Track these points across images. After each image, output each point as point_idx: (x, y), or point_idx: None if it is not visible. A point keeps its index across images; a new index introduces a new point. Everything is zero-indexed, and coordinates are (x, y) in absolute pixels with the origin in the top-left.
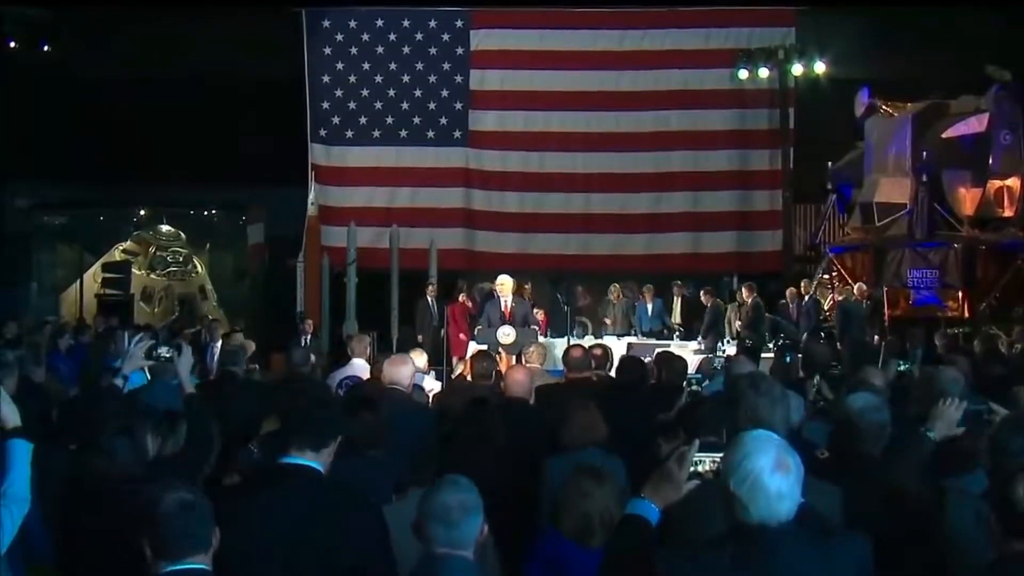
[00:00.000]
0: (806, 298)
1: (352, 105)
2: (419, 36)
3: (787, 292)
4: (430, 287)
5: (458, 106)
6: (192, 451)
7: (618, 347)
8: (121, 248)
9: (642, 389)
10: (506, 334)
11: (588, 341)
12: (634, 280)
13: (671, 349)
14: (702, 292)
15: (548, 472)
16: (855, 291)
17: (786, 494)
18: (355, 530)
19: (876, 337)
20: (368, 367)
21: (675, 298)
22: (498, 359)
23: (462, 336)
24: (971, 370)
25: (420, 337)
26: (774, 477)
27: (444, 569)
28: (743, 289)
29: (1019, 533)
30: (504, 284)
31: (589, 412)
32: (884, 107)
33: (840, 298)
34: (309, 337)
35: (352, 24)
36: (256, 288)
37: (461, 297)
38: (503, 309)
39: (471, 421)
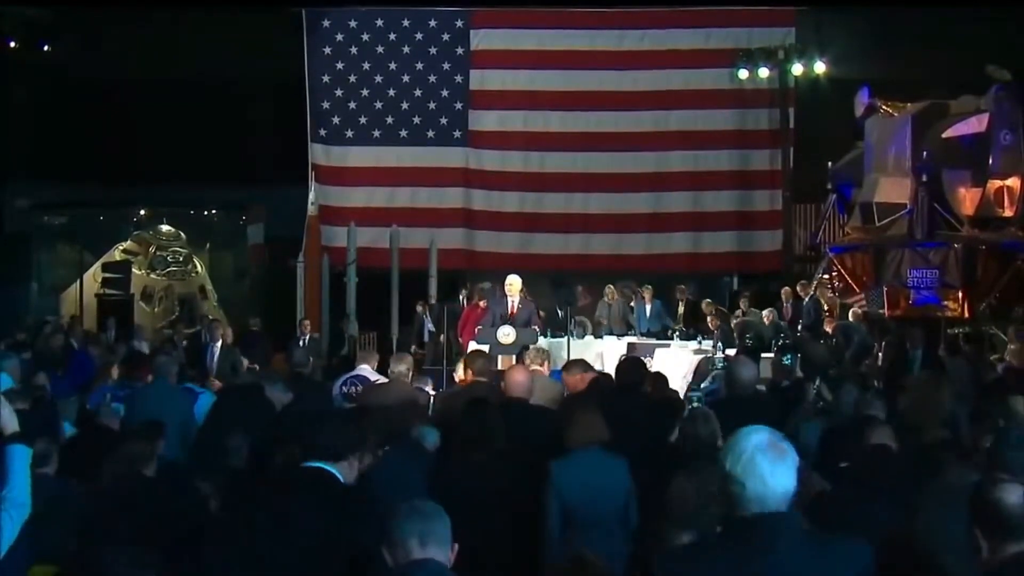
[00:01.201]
0: (805, 299)
1: (352, 105)
2: (419, 36)
3: (782, 292)
4: (420, 304)
5: (458, 106)
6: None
7: (618, 347)
8: (121, 248)
9: (643, 391)
10: (506, 334)
11: (587, 341)
12: (633, 280)
13: (671, 350)
14: (704, 307)
15: (551, 475)
16: (850, 316)
17: (780, 473)
18: (362, 527)
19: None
20: (373, 371)
21: (679, 302)
22: (498, 360)
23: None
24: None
25: (413, 348)
26: (767, 454)
27: (419, 573)
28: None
29: (1009, 536)
30: (512, 284)
31: (590, 413)
32: (884, 107)
33: (835, 323)
34: (308, 338)
35: (352, 24)
36: (256, 288)
37: (483, 303)
38: (509, 310)
39: (471, 421)
